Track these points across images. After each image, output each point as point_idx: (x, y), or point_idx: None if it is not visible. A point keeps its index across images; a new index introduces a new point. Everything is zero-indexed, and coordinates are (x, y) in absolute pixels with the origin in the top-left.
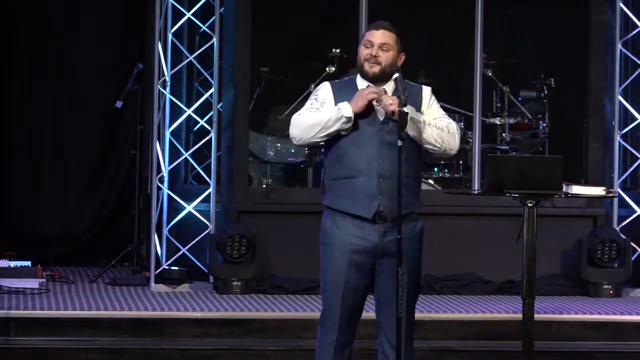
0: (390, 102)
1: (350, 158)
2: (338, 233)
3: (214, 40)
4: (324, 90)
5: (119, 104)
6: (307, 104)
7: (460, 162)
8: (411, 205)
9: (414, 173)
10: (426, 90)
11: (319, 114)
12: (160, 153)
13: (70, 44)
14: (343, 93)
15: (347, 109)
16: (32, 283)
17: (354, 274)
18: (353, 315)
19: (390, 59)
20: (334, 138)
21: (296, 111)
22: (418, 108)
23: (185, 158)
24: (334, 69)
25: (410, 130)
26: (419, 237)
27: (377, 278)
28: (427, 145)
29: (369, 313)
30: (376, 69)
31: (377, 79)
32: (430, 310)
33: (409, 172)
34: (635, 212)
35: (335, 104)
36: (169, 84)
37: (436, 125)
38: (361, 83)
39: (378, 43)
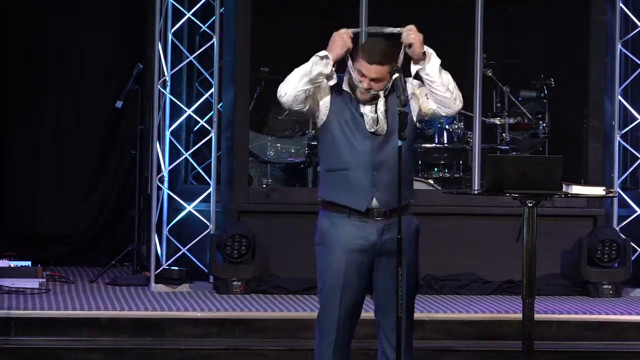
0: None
1: (344, 150)
2: (335, 233)
3: (214, 40)
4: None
5: (119, 104)
6: None
7: (460, 162)
8: (408, 198)
9: (408, 165)
10: (410, 80)
11: (302, 65)
12: (160, 153)
13: (70, 44)
14: (341, 92)
15: (322, 53)
16: (32, 283)
17: (353, 274)
18: (352, 315)
19: (381, 86)
20: (328, 128)
21: None
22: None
23: (185, 158)
24: (333, 68)
25: (428, 67)
26: (416, 235)
27: (376, 277)
28: (439, 89)
29: (368, 313)
30: (366, 97)
31: (366, 103)
32: (430, 310)
33: (406, 166)
34: (635, 212)
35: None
36: (169, 84)
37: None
38: (346, 87)
39: (370, 77)
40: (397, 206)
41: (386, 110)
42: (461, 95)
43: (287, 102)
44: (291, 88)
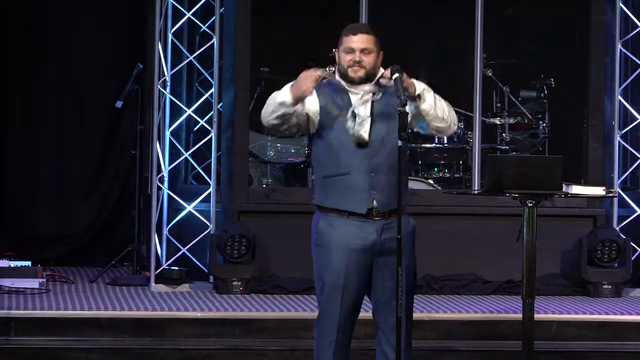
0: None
1: (341, 154)
2: (334, 234)
3: (214, 40)
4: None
5: (119, 104)
6: None
7: (460, 162)
8: (405, 198)
9: (404, 166)
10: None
11: (276, 94)
12: (160, 153)
13: (71, 44)
14: (331, 94)
15: (284, 93)
16: (32, 283)
17: (353, 274)
18: (352, 315)
19: (372, 61)
20: (322, 135)
21: None
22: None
23: (185, 158)
24: (334, 69)
25: (424, 105)
26: (412, 235)
27: (375, 277)
28: (434, 120)
29: (368, 313)
30: (361, 72)
31: (362, 82)
32: (430, 310)
33: (402, 167)
34: (635, 212)
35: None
36: (169, 84)
37: (441, 99)
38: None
39: (359, 48)
40: (397, 206)
41: (372, 112)
42: (456, 118)
43: (268, 128)
44: (267, 118)
